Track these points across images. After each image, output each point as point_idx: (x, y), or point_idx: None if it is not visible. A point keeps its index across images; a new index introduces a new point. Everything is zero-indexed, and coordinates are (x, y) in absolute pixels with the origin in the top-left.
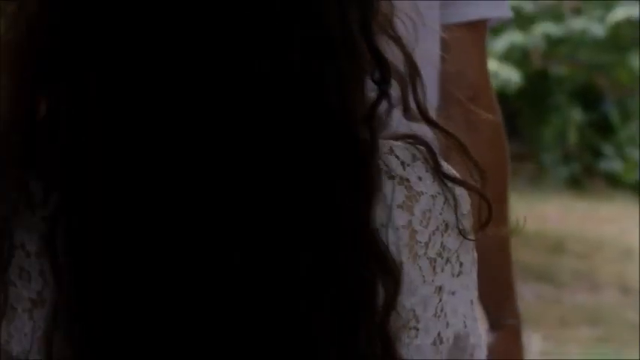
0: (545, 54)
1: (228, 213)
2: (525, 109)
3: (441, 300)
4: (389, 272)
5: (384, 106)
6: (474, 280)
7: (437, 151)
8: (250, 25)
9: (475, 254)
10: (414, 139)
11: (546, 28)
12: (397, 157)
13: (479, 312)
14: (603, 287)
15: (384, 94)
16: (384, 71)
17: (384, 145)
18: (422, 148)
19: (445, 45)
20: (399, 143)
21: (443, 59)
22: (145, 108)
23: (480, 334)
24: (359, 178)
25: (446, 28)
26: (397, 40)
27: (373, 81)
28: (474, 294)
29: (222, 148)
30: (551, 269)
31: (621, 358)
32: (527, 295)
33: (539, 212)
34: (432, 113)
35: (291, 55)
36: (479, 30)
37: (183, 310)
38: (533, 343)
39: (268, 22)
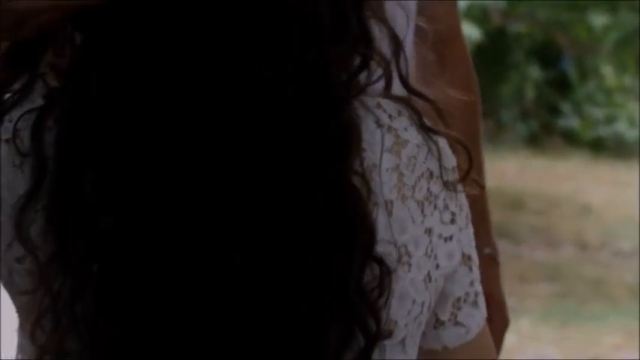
0: (505, 12)
1: (228, 179)
2: (484, 66)
3: (431, 242)
4: (363, 217)
5: (364, 76)
6: (470, 234)
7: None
8: None
9: (468, 210)
10: (400, 100)
11: None
12: (385, 110)
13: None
14: (561, 244)
15: (364, 64)
16: (368, 46)
17: (373, 100)
18: (406, 105)
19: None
20: (387, 100)
21: (419, 7)
22: (144, 103)
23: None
24: (336, 129)
25: None
26: (384, 22)
27: (358, 53)
28: (473, 249)
29: (217, 124)
30: (509, 226)
31: (580, 313)
32: None
33: (497, 169)
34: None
35: (286, 34)
36: None
37: (188, 292)
38: None
39: None
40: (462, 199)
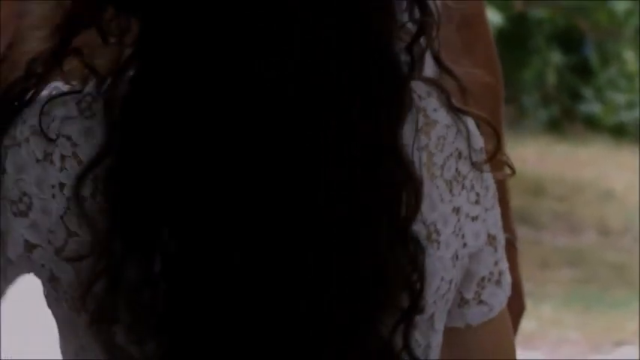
0: None
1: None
2: (505, 51)
3: (459, 220)
4: (412, 180)
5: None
6: (496, 215)
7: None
8: None
9: (495, 191)
10: (429, 81)
11: None
12: (414, 91)
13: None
14: (583, 229)
15: (422, 30)
16: (423, 10)
17: None
18: (436, 86)
19: None
20: (416, 82)
21: None
22: (208, 102)
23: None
24: (397, 98)
25: None
26: None
27: (414, 22)
28: (498, 229)
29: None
30: (531, 211)
31: (602, 298)
32: None
33: (518, 155)
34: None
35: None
36: None
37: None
38: None
39: None
40: (489, 180)
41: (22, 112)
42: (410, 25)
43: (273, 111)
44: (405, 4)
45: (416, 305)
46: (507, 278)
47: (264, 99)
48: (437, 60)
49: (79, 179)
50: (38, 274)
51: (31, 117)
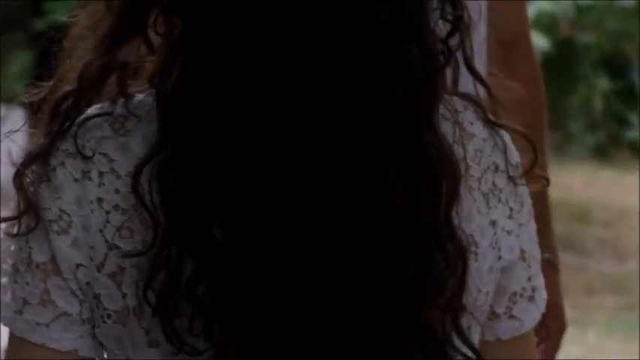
0: (573, 22)
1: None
2: (552, 77)
3: (495, 233)
4: (451, 166)
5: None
6: (531, 230)
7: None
8: None
9: (530, 206)
10: (465, 96)
11: None
12: (450, 105)
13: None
14: (628, 256)
15: (456, 27)
16: (455, 6)
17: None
18: (472, 101)
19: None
20: (452, 96)
21: (489, 8)
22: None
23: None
24: (431, 83)
25: None
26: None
27: (446, 19)
28: (533, 245)
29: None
30: (576, 238)
31: None
32: None
33: (564, 181)
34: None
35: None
36: None
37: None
38: None
39: None
40: (525, 195)
41: (56, 139)
42: (441, 24)
43: (315, 104)
44: (435, 3)
45: (459, 301)
46: (542, 295)
47: (306, 94)
48: (468, 66)
49: (136, 173)
50: (85, 294)
51: (64, 142)
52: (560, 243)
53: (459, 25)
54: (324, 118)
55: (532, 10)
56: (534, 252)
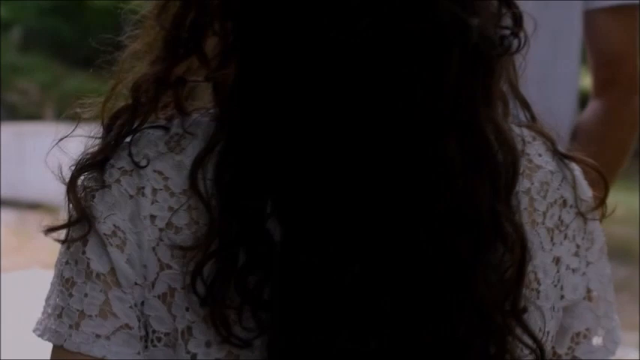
0: None
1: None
2: None
3: (558, 271)
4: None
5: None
6: (601, 270)
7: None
8: None
9: (603, 244)
10: (533, 127)
11: None
12: (518, 134)
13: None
14: None
15: (514, 34)
16: (515, 18)
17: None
18: (541, 133)
19: (591, 29)
20: (521, 127)
21: (591, 43)
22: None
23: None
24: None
25: (591, 13)
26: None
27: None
28: (602, 285)
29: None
30: None
31: None
32: None
33: None
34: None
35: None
36: (623, 13)
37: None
38: None
39: None
40: (596, 232)
41: (111, 155)
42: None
43: (381, 97)
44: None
45: (519, 291)
46: (613, 338)
47: (372, 86)
48: (513, 88)
49: (197, 163)
50: (141, 312)
51: (120, 160)
52: None
53: (518, 20)
54: (378, 107)
55: None
56: (603, 293)
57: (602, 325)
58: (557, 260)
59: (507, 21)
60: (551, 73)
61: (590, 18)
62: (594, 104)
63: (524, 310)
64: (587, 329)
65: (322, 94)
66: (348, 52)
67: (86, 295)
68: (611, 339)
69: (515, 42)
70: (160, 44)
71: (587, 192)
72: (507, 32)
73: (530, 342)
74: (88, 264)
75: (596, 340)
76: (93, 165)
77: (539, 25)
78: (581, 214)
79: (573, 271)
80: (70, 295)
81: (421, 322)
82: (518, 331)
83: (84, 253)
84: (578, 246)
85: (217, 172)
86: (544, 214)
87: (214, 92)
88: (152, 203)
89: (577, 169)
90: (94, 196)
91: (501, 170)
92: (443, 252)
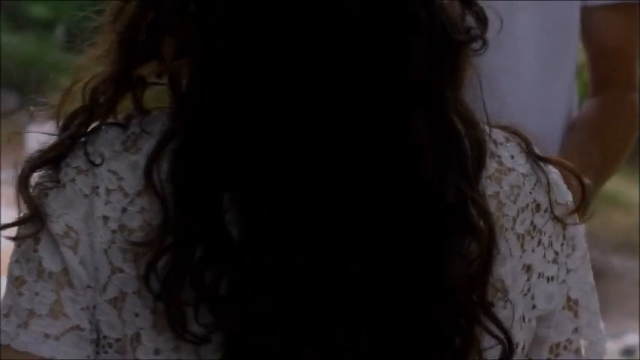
0: None
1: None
2: None
3: (529, 279)
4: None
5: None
6: (583, 277)
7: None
8: None
9: (585, 251)
10: (507, 128)
11: None
12: (490, 136)
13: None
14: None
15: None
16: (478, 17)
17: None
18: (515, 134)
19: (590, 25)
20: (495, 129)
21: (589, 39)
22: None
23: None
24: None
25: (589, 9)
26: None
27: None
28: (584, 294)
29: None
30: None
31: None
32: None
33: None
34: None
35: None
36: (623, 10)
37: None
38: None
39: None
40: (577, 238)
41: (66, 153)
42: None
43: (340, 86)
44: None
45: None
46: (597, 350)
47: (329, 73)
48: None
49: (152, 159)
50: (93, 316)
51: (76, 159)
52: None
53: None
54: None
55: None
56: (585, 301)
57: (584, 336)
58: (527, 268)
59: (471, 20)
60: (551, 67)
61: (589, 14)
62: (592, 101)
63: (492, 304)
64: (567, 340)
65: (281, 81)
66: (309, 37)
67: (37, 293)
68: (595, 351)
69: (480, 41)
70: (116, 46)
71: (565, 196)
72: (473, 27)
73: (498, 333)
74: (40, 262)
75: (577, 352)
76: (46, 162)
77: (540, 18)
78: (558, 219)
79: (548, 279)
80: (20, 294)
81: (382, 314)
82: (487, 322)
83: (36, 251)
84: (556, 252)
85: (172, 168)
86: (514, 219)
87: (170, 88)
88: (105, 204)
89: (554, 172)
90: (47, 194)
91: (469, 154)
92: (411, 236)
